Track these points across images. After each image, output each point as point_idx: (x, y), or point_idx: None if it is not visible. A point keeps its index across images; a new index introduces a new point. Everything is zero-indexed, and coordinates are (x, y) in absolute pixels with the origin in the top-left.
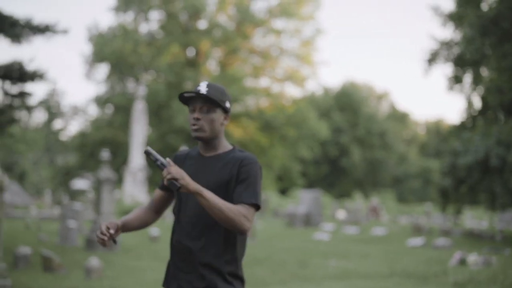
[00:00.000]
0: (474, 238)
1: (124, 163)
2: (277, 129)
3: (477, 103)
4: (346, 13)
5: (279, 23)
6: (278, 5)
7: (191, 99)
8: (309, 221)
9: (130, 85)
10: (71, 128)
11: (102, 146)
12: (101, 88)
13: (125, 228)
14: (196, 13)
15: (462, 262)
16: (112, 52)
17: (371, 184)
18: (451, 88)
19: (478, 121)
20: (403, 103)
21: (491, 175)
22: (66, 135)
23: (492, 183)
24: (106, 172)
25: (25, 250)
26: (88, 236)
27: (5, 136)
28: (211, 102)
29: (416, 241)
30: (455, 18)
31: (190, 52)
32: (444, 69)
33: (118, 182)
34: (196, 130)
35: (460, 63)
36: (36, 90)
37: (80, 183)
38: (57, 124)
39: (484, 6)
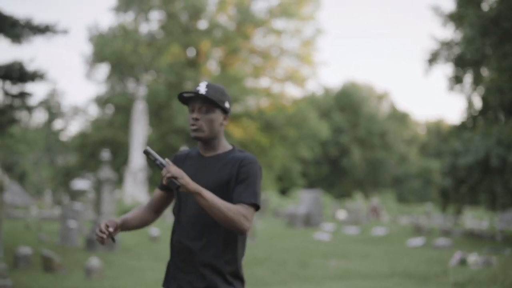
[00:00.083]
0: (474, 238)
1: (124, 163)
2: (278, 129)
3: (478, 103)
4: (347, 13)
5: (279, 23)
6: (278, 5)
7: (190, 99)
8: (310, 221)
9: (131, 85)
10: (72, 128)
11: (102, 146)
12: (102, 88)
13: (124, 226)
14: (196, 13)
15: (463, 262)
16: (112, 52)
17: (371, 184)
18: (451, 88)
19: (478, 121)
20: (403, 103)
21: (491, 175)
22: (67, 135)
23: (492, 183)
24: (106, 172)
25: (25, 250)
26: (88, 236)
27: (5, 136)
28: (210, 102)
29: (417, 241)
30: (456, 18)
31: (191, 52)
32: (445, 69)
33: (119, 182)
34: (195, 130)
35: (461, 63)
36: (37, 90)
37: (81, 183)
38: (58, 124)
39: (485, 6)
